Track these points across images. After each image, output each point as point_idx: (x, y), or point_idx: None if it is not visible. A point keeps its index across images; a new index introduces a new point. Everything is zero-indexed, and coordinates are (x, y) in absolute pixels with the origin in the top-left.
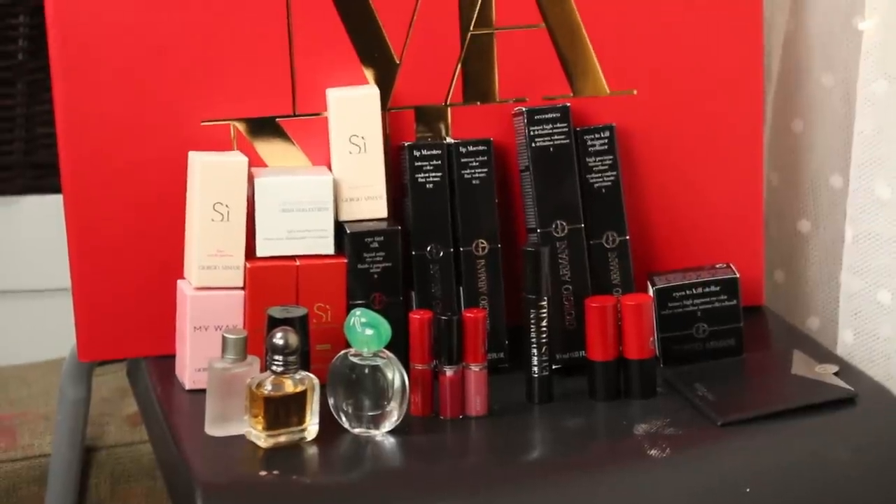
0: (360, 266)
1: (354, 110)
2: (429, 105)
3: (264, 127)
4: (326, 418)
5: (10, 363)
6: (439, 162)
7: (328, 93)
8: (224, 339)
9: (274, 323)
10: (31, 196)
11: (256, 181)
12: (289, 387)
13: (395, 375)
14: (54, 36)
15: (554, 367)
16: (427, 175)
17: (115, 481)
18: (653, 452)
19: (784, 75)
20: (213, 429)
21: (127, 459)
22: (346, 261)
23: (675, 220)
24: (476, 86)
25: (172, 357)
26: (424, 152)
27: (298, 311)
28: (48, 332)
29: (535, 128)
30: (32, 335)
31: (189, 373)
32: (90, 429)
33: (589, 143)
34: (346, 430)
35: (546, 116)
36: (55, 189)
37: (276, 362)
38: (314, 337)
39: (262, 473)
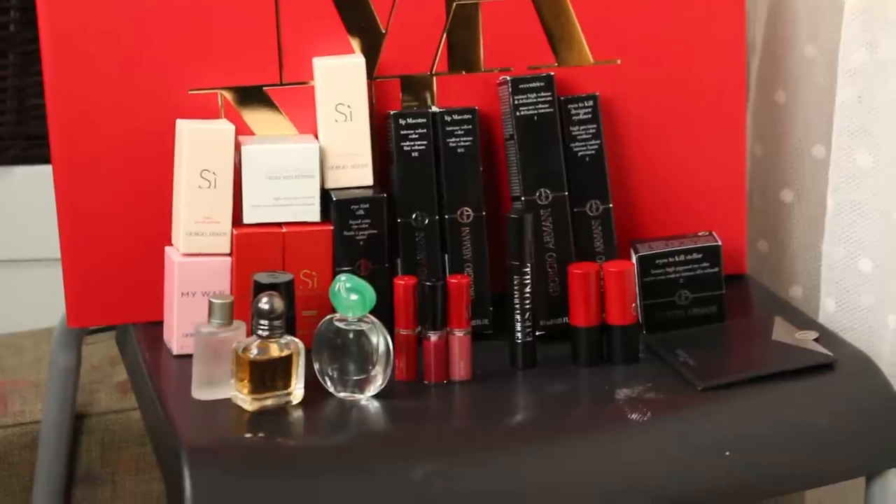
0: (346, 233)
1: (341, 79)
2: (414, 74)
3: (251, 95)
4: (312, 383)
5: (2, 331)
6: (425, 130)
7: (315, 62)
8: (210, 304)
9: (260, 288)
10: (22, 166)
11: (243, 148)
12: (274, 351)
13: (380, 340)
14: (43, 6)
15: (537, 333)
16: (412, 143)
17: (105, 448)
18: (634, 417)
19: (767, 46)
20: (199, 393)
21: (117, 426)
22: (332, 228)
23: (659, 189)
24: (461, 55)
25: (160, 323)
26: (410, 121)
27: (284, 277)
28: (39, 301)
29: (520, 97)
30: (24, 304)
31: (176, 338)
32: (81, 396)
33: (573, 111)
34: (331, 395)
35: (530, 85)
36: (46, 160)
37: (261, 327)
38: (300, 303)
39: (248, 436)
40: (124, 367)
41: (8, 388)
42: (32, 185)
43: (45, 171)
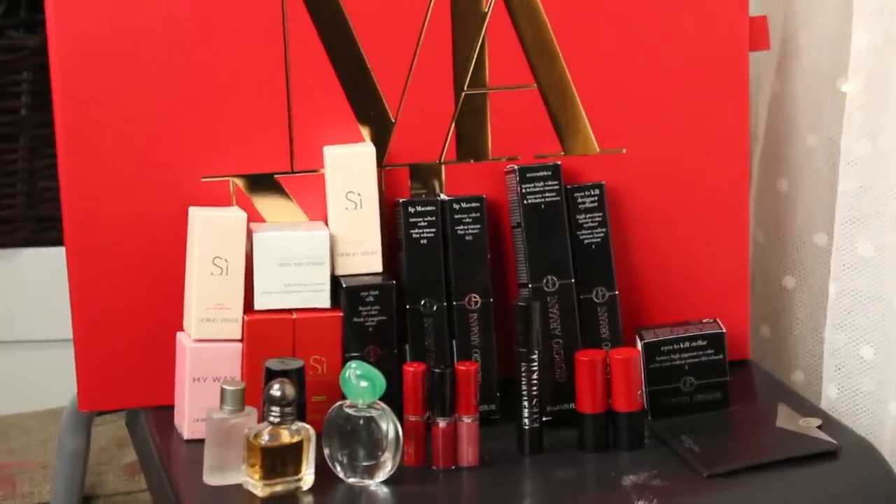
0: (355, 319)
1: (351, 167)
2: (423, 162)
3: (263, 183)
4: (322, 468)
5: (11, 412)
6: (433, 218)
7: (325, 150)
8: (222, 390)
9: (271, 375)
10: (32, 248)
11: (255, 236)
12: (285, 437)
13: (389, 426)
14: (58, 94)
15: (544, 418)
16: (421, 231)
17: None
18: (640, 503)
19: (770, 135)
20: (211, 478)
21: None
22: (341, 314)
23: (664, 276)
24: (469, 144)
25: (171, 407)
26: (419, 208)
27: (295, 364)
28: (48, 382)
29: (527, 185)
30: (33, 385)
31: (188, 423)
32: (88, 478)
33: (579, 200)
34: (340, 480)
35: (538, 174)
36: (56, 242)
37: (273, 413)
38: (310, 388)
39: None
40: (132, 449)
41: (16, 470)
42: (42, 267)
43: (55, 253)
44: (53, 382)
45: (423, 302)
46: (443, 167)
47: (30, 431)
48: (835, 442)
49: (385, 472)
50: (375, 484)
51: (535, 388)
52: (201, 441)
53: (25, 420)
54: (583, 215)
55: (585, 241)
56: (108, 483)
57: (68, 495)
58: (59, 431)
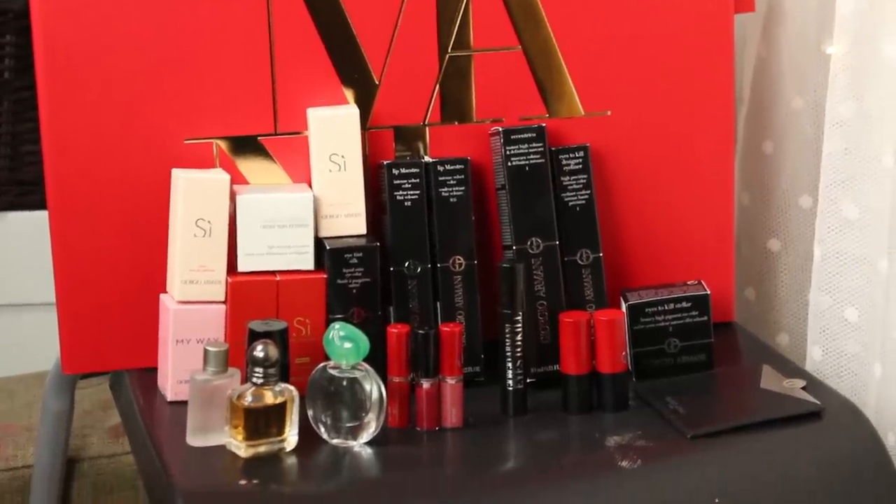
0: (339, 281)
1: (335, 129)
2: (407, 125)
3: (246, 145)
4: (305, 429)
5: None
6: (417, 180)
7: (309, 112)
8: (205, 351)
9: (254, 336)
10: (15, 212)
11: (238, 198)
12: (269, 398)
13: (373, 388)
14: (41, 56)
15: (528, 380)
16: (405, 193)
17: (97, 492)
18: (624, 464)
19: (755, 98)
20: (194, 439)
21: (108, 471)
22: (325, 276)
23: (648, 238)
24: (454, 106)
25: (154, 369)
26: (403, 171)
27: (278, 325)
28: (32, 346)
29: (512, 147)
30: (16, 348)
31: (171, 384)
32: (72, 440)
33: (564, 162)
34: (324, 441)
35: (522, 136)
36: (40, 205)
37: (256, 374)
38: (294, 350)
39: (242, 482)
40: (116, 412)
41: (0, 433)
42: (26, 230)
43: (39, 216)
44: (37, 345)
45: (407, 264)
46: (427, 129)
47: (14, 395)
48: (819, 403)
49: (369, 433)
50: (359, 445)
51: (519, 349)
52: (185, 403)
53: (10, 383)
54: (567, 177)
55: (570, 204)
56: (92, 446)
57: (52, 458)
58: (43, 394)
